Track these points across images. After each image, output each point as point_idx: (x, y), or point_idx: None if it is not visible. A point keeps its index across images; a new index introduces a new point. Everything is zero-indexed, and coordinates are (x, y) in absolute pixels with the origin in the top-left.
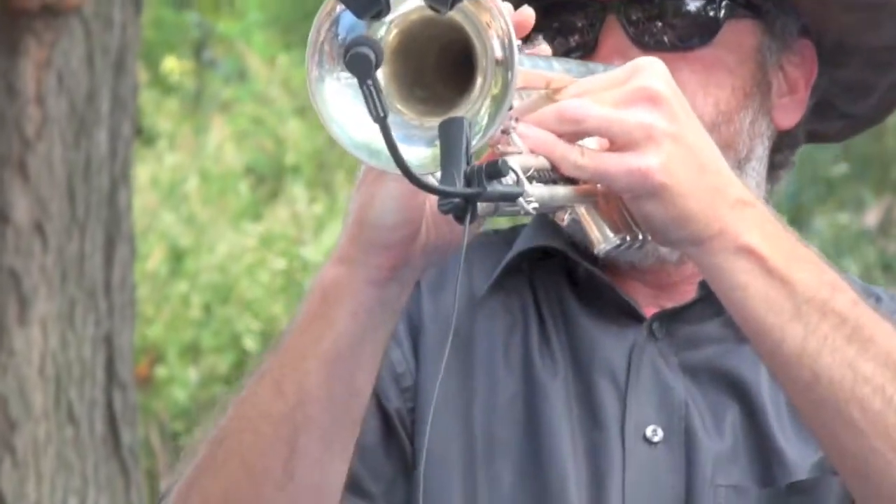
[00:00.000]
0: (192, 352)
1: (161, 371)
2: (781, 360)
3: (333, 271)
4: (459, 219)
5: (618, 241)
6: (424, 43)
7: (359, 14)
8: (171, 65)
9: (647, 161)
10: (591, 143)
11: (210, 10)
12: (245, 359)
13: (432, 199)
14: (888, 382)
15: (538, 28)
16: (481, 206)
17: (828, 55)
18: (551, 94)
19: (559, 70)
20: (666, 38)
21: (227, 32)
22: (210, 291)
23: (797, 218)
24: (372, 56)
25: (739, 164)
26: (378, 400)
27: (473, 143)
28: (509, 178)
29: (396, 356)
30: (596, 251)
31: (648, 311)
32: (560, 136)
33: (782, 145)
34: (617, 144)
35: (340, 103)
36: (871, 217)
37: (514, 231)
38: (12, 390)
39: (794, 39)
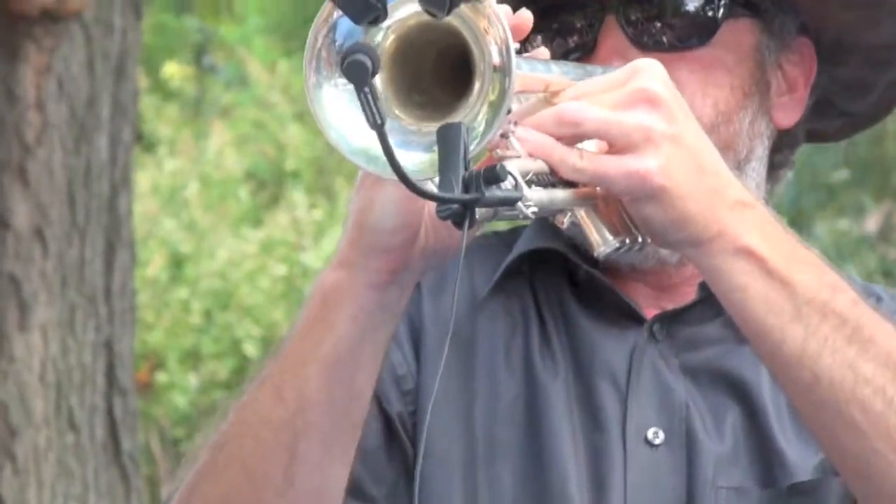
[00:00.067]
0: (192, 358)
1: (161, 377)
2: (782, 362)
3: (333, 275)
4: (458, 224)
5: (617, 244)
6: (422, 48)
7: (356, 20)
8: (172, 70)
9: (645, 163)
10: (590, 145)
11: (210, 15)
12: (245, 365)
13: (431, 204)
14: (889, 383)
15: (537, 29)
16: (480, 212)
17: (827, 53)
18: (550, 98)
19: (557, 73)
20: (664, 39)
21: (228, 38)
22: (210, 297)
23: (797, 224)
24: (368, 63)
25: (739, 165)
26: (379, 403)
27: (471, 148)
28: (508, 183)
29: (397, 359)
30: (595, 254)
31: (649, 312)
32: (559, 139)
33: (782, 145)
34: (616, 147)
35: (338, 109)
36: (872, 223)
37: (515, 233)
38: (13, 397)
39: (793, 38)
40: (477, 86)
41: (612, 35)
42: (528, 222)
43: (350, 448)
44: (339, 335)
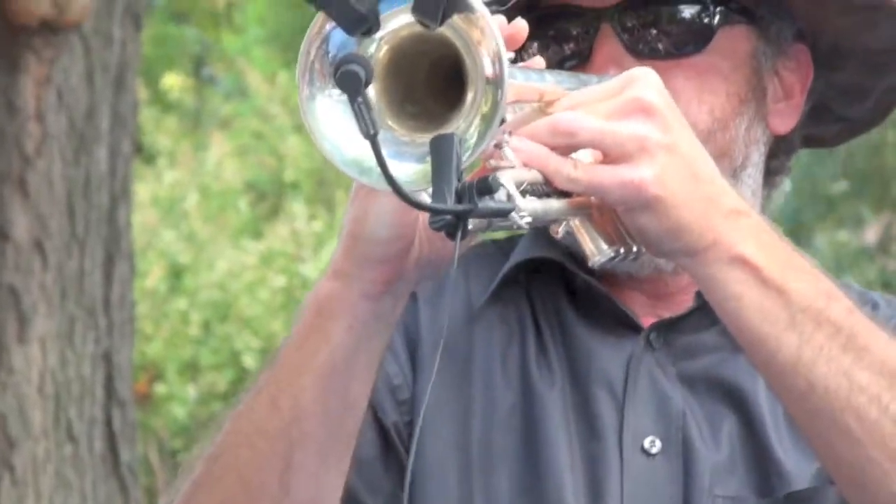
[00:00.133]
0: (191, 369)
1: (160, 388)
2: (777, 370)
3: (328, 286)
4: (451, 235)
5: (612, 254)
6: (415, 59)
7: (349, 31)
8: (171, 81)
9: (640, 173)
10: (585, 155)
11: (209, 26)
12: (244, 376)
13: (425, 214)
14: (884, 391)
15: (532, 37)
16: (473, 222)
17: (823, 59)
18: (544, 107)
19: (552, 82)
20: (660, 46)
21: (227, 49)
22: (209, 309)
23: (797, 236)
24: (362, 73)
25: (735, 172)
26: (375, 413)
27: (464, 159)
28: (501, 194)
29: (393, 369)
30: (590, 264)
31: (646, 320)
32: (553, 149)
33: (778, 151)
34: (610, 157)
35: (332, 120)
36: (871, 234)
37: (512, 241)
38: (11, 408)
39: (789, 44)
40: (470, 97)
41: (608, 43)
42: (523, 231)
43: (345, 457)
44: (333, 345)
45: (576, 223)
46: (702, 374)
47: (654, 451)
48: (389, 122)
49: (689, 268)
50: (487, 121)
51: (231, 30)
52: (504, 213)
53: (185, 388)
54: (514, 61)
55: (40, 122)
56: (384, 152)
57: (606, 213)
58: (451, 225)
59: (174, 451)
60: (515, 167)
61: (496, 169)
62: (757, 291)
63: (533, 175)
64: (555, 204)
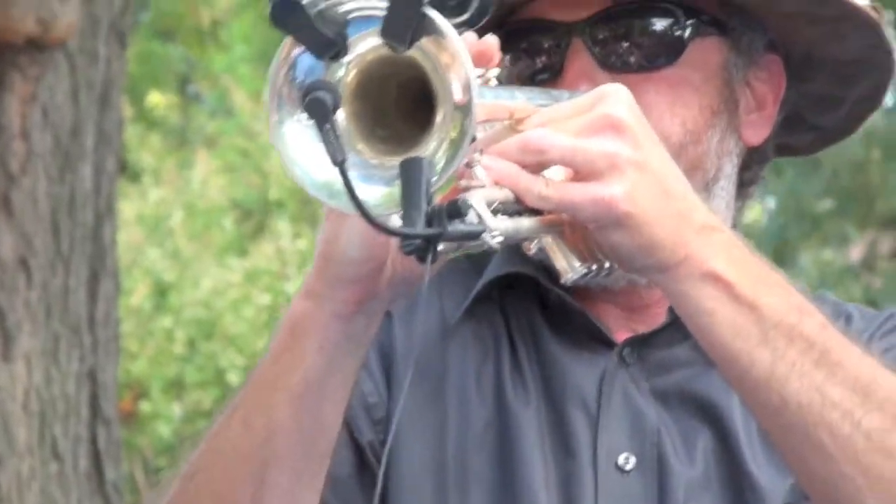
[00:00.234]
0: (176, 387)
1: (145, 406)
2: (749, 386)
3: (301, 306)
4: (422, 259)
5: (585, 270)
6: (383, 81)
7: (318, 55)
8: (156, 99)
9: (611, 190)
10: (556, 172)
11: (195, 44)
12: (229, 394)
13: None
14: (856, 407)
15: (505, 49)
16: (444, 245)
17: (795, 69)
18: (515, 125)
19: (522, 99)
20: (632, 59)
21: (213, 66)
22: (194, 326)
23: (782, 254)
24: (329, 100)
25: (708, 185)
26: (350, 432)
27: (434, 181)
28: (472, 216)
29: (368, 387)
30: (563, 281)
31: (620, 334)
32: (524, 166)
33: (751, 162)
34: (581, 174)
35: (301, 145)
36: (856, 252)
37: (486, 256)
38: None
39: (761, 55)
40: (439, 119)
41: (579, 57)
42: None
43: (319, 476)
44: (306, 366)
45: (548, 241)
46: (675, 389)
47: (628, 467)
48: (359, 146)
49: (661, 284)
50: (456, 145)
51: (216, 47)
52: (474, 236)
53: (170, 406)
54: (482, 76)
55: (25, 140)
56: (354, 175)
57: (578, 230)
58: (422, 249)
59: (159, 469)
60: (486, 186)
61: (467, 188)
62: (729, 307)
63: (504, 193)
64: (526, 222)
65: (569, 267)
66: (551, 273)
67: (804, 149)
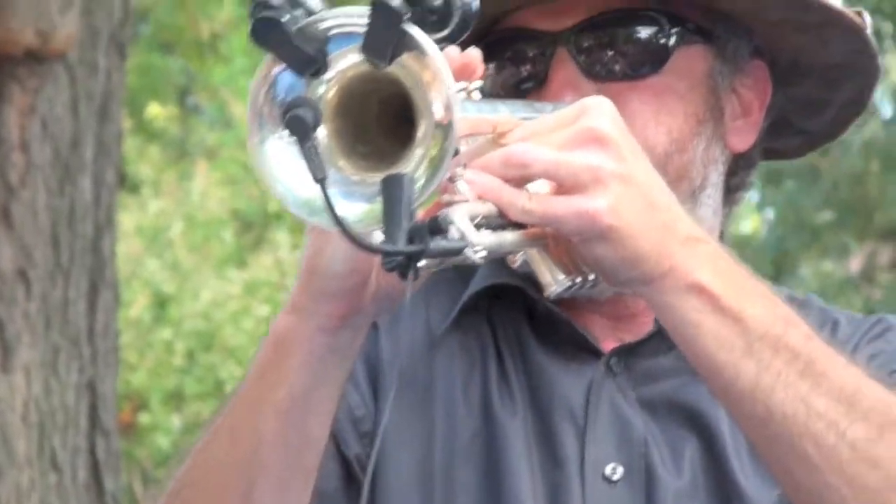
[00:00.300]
0: (175, 399)
1: (144, 418)
2: (735, 397)
3: (286, 320)
4: (404, 276)
5: (569, 283)
6: (364, 98)
7: (298, 72)
8: (156, 111)
9: (594, 203)
10: (540, 186)
11: (194, 56)
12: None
13: None
14: (841, 417)
15: (489, 58)
16: (426, 261)
17: (781, 75)
18: (497, 138)
19: (505, 112)
20: (616, 68)
21: (212, 78)
22: (194, 338)
23: (781, 265)
24: (309, 117)
25: (694, 193)
26: (337, 445)
27: (415, 198)
28: (454, 232)
29: (355, 400)
30: (547, 294)
31: (607, 344)
32: (507, 180)
33: (738, 168)
34: (565, 187)
35: (283, 162)
36: (856, 264)
37: (473, 267)
38: None
39: (747, 61)
40: (420, 135)
41: (564, 67)
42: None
43: (306, 490)
44: (291, 380)
45: (532, 254)
46: (663, 398)
47: (615, 478)
48: (340, 163)
49: (646, 296)
50: (438, 161)
51: (216, 60)
52: (456, 252)
53: (170, 418)
54: (464, 89)
55: (25, 152)
56: (335, 192)
57: (562, 243)
58: (403, 266)
59: (158, 480)
60: (469, 200)
61: (450, 203)
62: (714, 319)
63: (487, 208)
64: (510, 236)
65: (553, 280)
66: (538, 284)
67: (791, 153)
